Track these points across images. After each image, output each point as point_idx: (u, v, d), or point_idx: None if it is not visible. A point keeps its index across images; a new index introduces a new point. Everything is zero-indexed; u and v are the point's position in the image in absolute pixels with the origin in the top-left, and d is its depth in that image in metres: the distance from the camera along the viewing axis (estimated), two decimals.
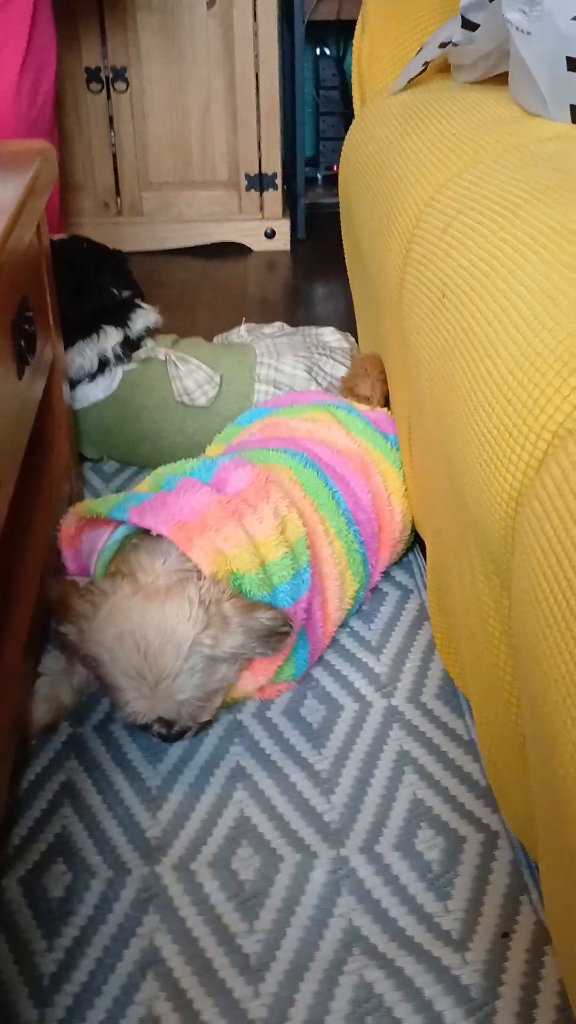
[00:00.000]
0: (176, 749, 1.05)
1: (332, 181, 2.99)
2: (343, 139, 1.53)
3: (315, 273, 2.56)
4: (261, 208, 2.70)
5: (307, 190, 2.83)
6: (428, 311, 0.92)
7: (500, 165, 0.97)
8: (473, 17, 1.16)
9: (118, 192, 2.67)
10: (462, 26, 1.19)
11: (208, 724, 1.04)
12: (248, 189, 2.67)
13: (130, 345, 1.53)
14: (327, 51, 2.94)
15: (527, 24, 1.03)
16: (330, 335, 1.65)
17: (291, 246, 2.73)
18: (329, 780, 1.01)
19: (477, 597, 0.81)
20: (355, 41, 1.60)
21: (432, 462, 0.97)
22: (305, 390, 1.52)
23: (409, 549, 1.34)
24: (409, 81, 1.38)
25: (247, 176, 2.66)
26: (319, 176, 3.03)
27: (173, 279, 2.52)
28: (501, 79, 1.21)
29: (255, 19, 2.48)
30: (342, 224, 1.57)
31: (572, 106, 1.04)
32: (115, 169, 2.64)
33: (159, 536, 1.01)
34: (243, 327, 1.72)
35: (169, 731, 0.99)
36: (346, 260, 1.59)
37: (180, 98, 2.58)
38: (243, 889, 0.91)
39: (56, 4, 1.87)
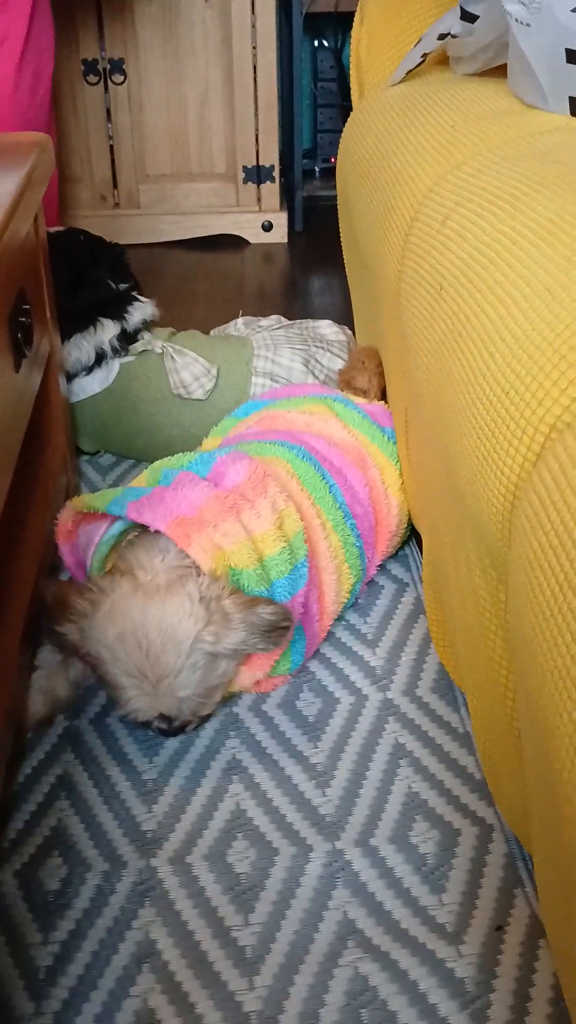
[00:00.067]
0: (172, 742, 1.05)
1: (330, 173, 2.98)
2: (341, 131, 1.53)
3: (312, 266, 2.56)
4: (258, 200, 2.70)
5: (305, 182, 2.82)
6: (426, 304, 0.92)
7: (499, 157, 0.97)
8: (472, 9, 1.16)
9: (115, 184, 2.66)
10: (461, 18, 1.18)
11: (207, 718, 1.04)
12: (245, 181, 2.67)
13: (127, 338, 1.53)
14: (325, 43, 2.93)
15: (526, 16, 1.03)
16: (327, 328, 1.65)
17: (288, 239, 2.73)
18: (325, 773, 1.01)
19: (473, 591, 0.81)
20: (353, 33, 1.60)
21: (429, 455, 0.97)
22: (302, 383, 1.52)
23: (405, 542, 1.34)
24: (407, 73, 1.37)
25: (244, 168, 2.65)
26: (317, 168, 3.02)
27: (170, 271, 2.51)
28: (500, 71, 1.20)
29: (253, 11, 2.47)
30: (340, 217, 1.57)
31: (571, 98, 1.04)
32: (112, 161, 2.63)
33: (157, 532, 1.00)
34: (240, 320, 1.72)
35: (169, 726, 0.99)
36: (343, 253, 1.59)
37: (177, 90, 2.58)
38: (239, 882, 0.91)
39: None
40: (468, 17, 1.17)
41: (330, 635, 1.20)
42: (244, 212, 2.70)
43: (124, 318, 1.52)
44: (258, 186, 2.68)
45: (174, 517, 1.00)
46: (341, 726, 1.07)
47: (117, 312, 1.52)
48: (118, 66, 2.52)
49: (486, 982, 0.81)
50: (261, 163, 2.65)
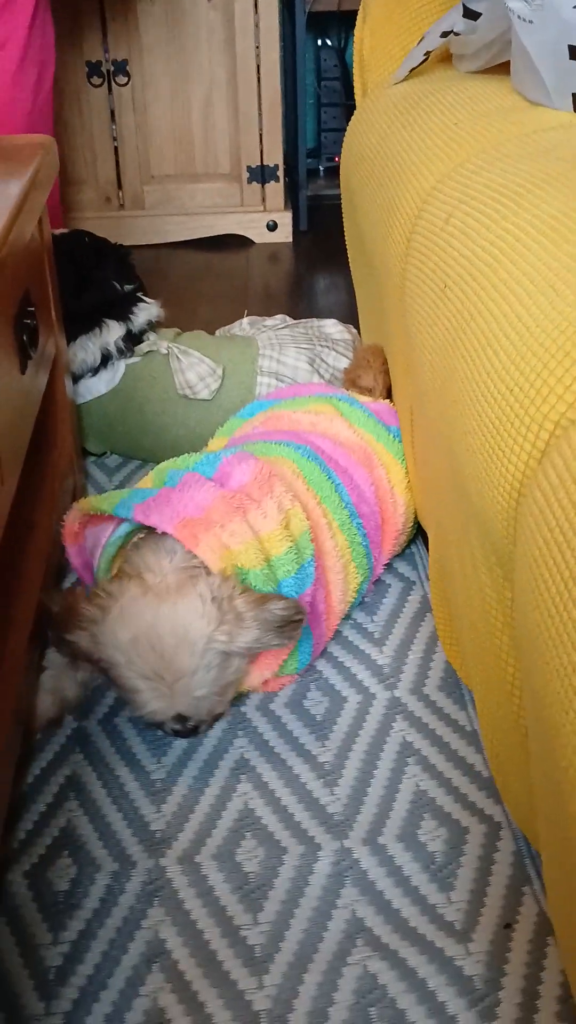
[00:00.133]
0: (180, 742, 1.06)
1: (334, 172, 2.98)
2: (345, 130, 1.53)
3: (317, 265, 2.56)
4: (263, 200, 2.70)
5: (309, 182, 2.82)
6: (430, 301, 0.92)
7: (502, 155, 0.97)
8: (475, 6, 1.16)
9: (120, 186, 2.67)
10: (464, 15, 1.18)
11: (219, 717, 1.04)
12: (250, 181, 2.67)
13: (132, 339, 1.53)
14: (328, 42, 2.93)
15: (529, 13, 1.03)
16: (332, 327, 1.65)
17: (293, 238, 2.73)
18: (332, 772, 1.01)
19: (479, 588, 0.81)
20: (356, 31, 1.60)
21: (434, 453, 0.97)
22: (307, 382, 1.52)
23: (412, 541, 1.34)
24: (411, 71, 1.37)
25: (249, 168, 2.65)
26: (321, 168, 3.02)
27: (175, 272, 2.52)
28: (503, 68, 1.20)
29: (256, 10, 2.47)
30: (344, 215, 1.57)
31: (575, 95, 1.04)
32: (117, 163, 2.64)
33: (163, 533, 1.01)
34: (245, 320, 1.72)
35: (184, 727, 0.99)
36: (348, 251, 1.59)
37: (181, 91, 2.58)
38: (247, 881, 0.91)
39: None
40: (471, 15, 1.17)
41: (337, 634, 1.20)
42: (249, 212, 2.70)
43: (129, 319, 1.53)
44: (262, 186, 2.68)
45: (181, 518, 1.00)
46: (349, 725, 1.07)
47: (122, 313, 1.52)
48: (122, 67, 2.52)
49: (494, 980, 0.81)
50: (265, 163, 2.65)
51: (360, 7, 1.59)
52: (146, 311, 1.55)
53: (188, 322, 1.74)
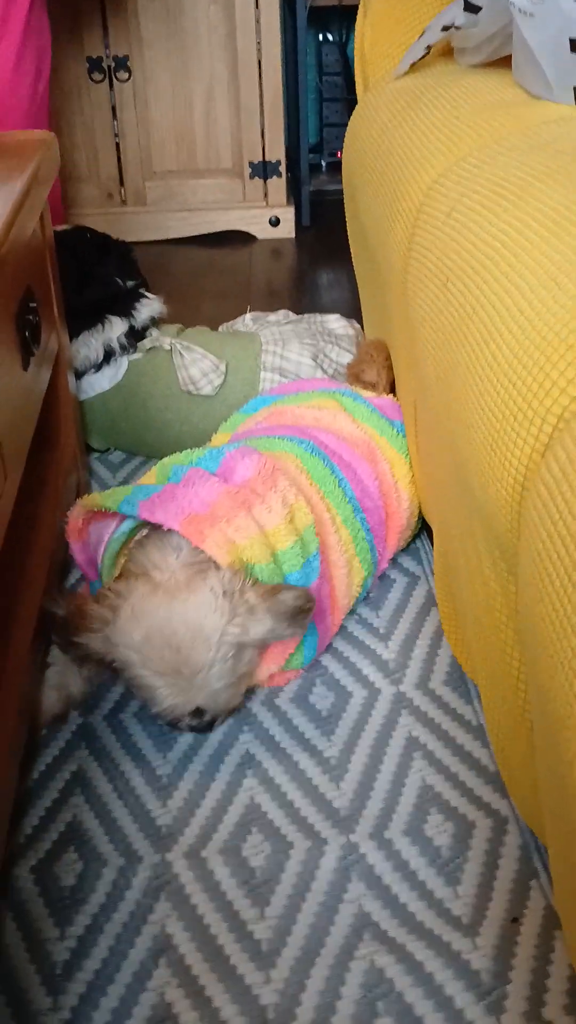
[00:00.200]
0: (186, 737, 1.06)
1: (336, 168, 2.98)
2: (347, 125, 1.53)
3: (320, 260, 2.56)
4: (265, 196, 2.70)
5: (311, 177, 2.82)
6: (433, 296, 0.92)
7: (504, 148, 0.97)
8: (476, 0, 1.15)
9: (122, 182, 2.67)
10: (465, 9, 1.18)
11: (233, 711, 1.04)
12: (252, 177, 2.67)
13: (135, 335, 1.53)
14: (330, 37, 2.93)
15: (530, 6, 1.02)
16: (335, 322, 1.65)
17: (296, 233, 2.72)
18: (338, 767, 1.02)
19: (484, 582, 0.81)
20: (357, 26, 1.60)
21: (438, 447, 0.97)
22: (311, 378, 1.52)
23: (416, 536, 1.34)
24: (412, 65, 1.37)
25: (251, 164, 2.65)
26: (323, 163, 3.02)
27: (178, 268, 2.52)
28: (505, 62, 1.20)
29: (257, 5, 2.47)
30: (346, 210, 1.56)
31: None
32: (119, 159, 2.64)
33: (168, 530, 1.01)
34: (248, 315, 1.72)
35: (201, 721, 0.99)
36: (351, 246, 1.59)
37: (183, 86, 2.58)
38: (254, 876, 0.91)
39: None
40: (472, 8, 1.16)
41: (342, 629, 1.20)
42: (251, 208, 2.70)
43: (132, 315, 1.53)
44: (265, 181, 2.68)
45: (186, 515, 1.00)
46: (354, 720, 1.07)
47: (125, 309, 1.52)
48: (123, 63, 2.52)
49: (502, 973, 0.81)
50: (267, 158, 2.65)
51: (361, 2, 1.59)
52: (149, 307, 1.55)
53: (191, 318, 1.74)
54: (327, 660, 1.16)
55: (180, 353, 1.52)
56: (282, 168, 2.66)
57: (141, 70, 2.54)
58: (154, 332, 1.55)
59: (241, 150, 2.64)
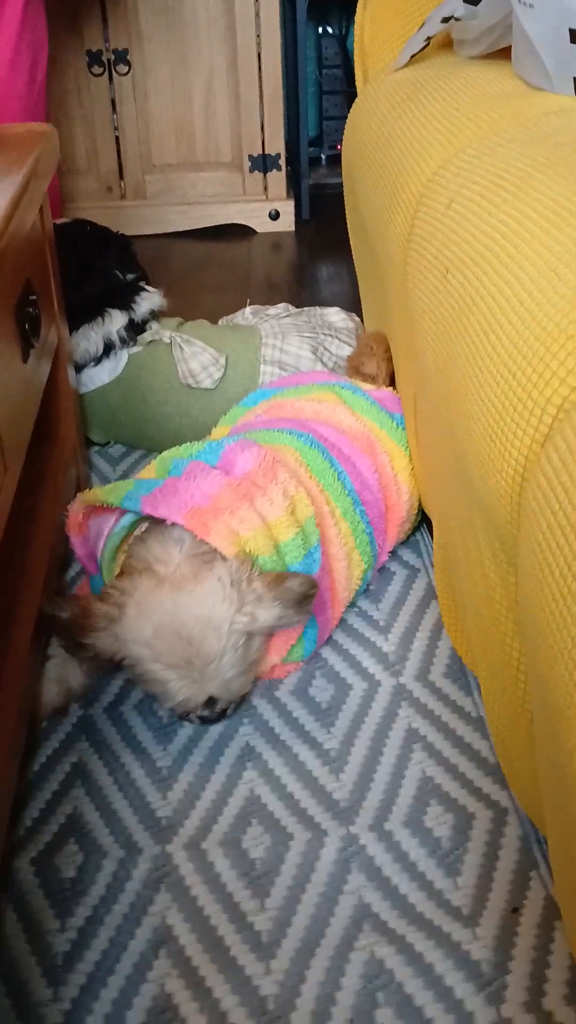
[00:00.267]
0: (186, 730, 1.06)
1: (336, 161, 2.97)
2: (347, 118, 1.53)
3: (320, 253, 2.55)
4: (265, 189, 2.69)
5: (311, 170, 2.81)
6: (432, 287, 0.92)
7: (504, 139, 0.96)
8: None
9: (121, 175, 2.66)
10: (464, 0, 1.18)
11: (242, 701, 1.03)
12: (252, 170, 2.66)
13: (135, 328, 1.53)
14: (329, 29, 2.92)
15: None
16: (335, 315, 1.65)
17: (295, 227, 2.72)
18: (338, 759, 1.02)
19: (484, 574, 0.81)
20: (357, 18, 1.59)
21: (438, 439, 0.97)
22: (310, 371, 1.52)
23: (416, 528, 1.34)
24: (411, 57, 1.37)
25: (251, 157, 2.64)
26: (323, 156, 3.01)
27: (177, 262, 2.51)
28: (504, 53, 1.20)
29: None
30: (346, 203, 1.56)
31: None
32: (118, 152, 2.63)
33: (169, 523, 1.01)
34: (248, 309, 1.72)
35: (212, 711, 0.99)
36: (350, 239, 1.58)
37: (182, 79, 2.57)
38: (254, 867, 0.91)
39: None
40: (471, 0, 1.16)
41: (342, 622, 1.20)
42: (251, 201, 2.70)
43: (132, 308, 1.52)
44: (264, 175, 2.67)
45: (189, 508, 1.00)
46: (354, 712, 1.07)
47: (125, 302, 1.52)
48: (122, 56, 2.51)
49: (502, 964, 0.81)
50: (267, 151, 2.64)
51: None
52: (149, 300, 1.55)
53: (190, 312, 1.73)
54: (327, 652, 1.16)
55: (180, 346, 1.52)
56: (282, 161, 2.66)
57: (141, 63, 2.54)
58: (154, 325, 1.55)
59: (241, 143, 2.64)
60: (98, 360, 1.52)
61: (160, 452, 1.18)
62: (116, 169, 2.65)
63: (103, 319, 1.51)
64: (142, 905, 0.88)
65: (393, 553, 1.30)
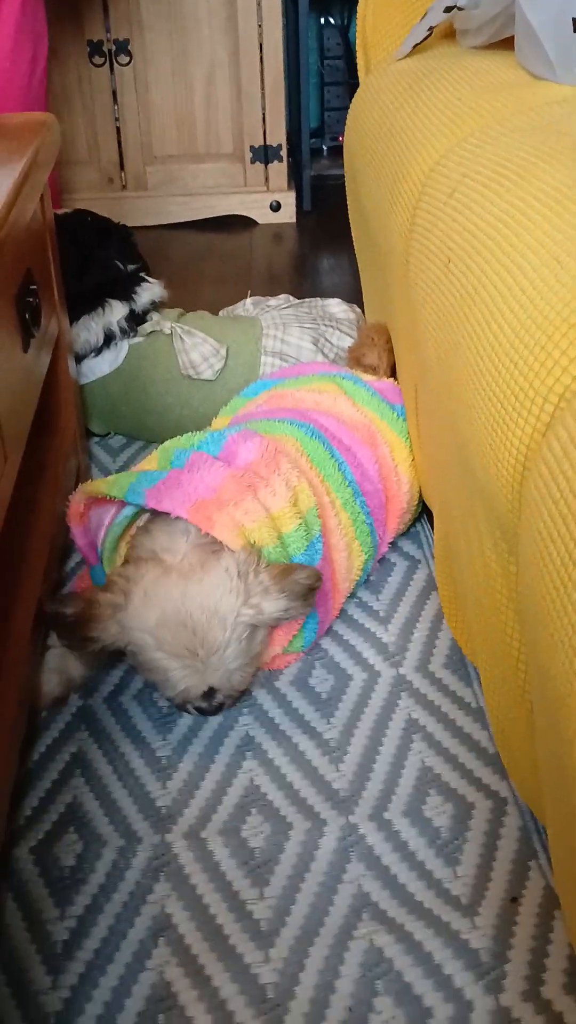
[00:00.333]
0: (186, 720, 1.06)
1: (338, 152, 2.97)
2: (348, 109, 1.52)
3: (321, 245, 2.55)
4: (266, 180, 2.69)
5: (312, 161, 2.80)
6: (434, 277, 0.91)
7: (506, 129, 0.96)
8: None
9: (122, 166, 2.65)
10: None
11: (242, 694, 1.03)
12: (253, 161, 2.66)
13: (136, 319, 1.53)
14: (331, 20, 2.91)
15: None
16: (336, 306, 1.65)
17: (297, 218, 2.71)
18: (338, 748, 1.02)
19: (484, 564, 0.81)
20: (359, 8, 1.59)
21: (439, 429, 0.97)
22: (311, 362, 1.52)
23: (417, 519, 1.34)
24: (414, 47, 1.36)
25: (252, 148, 2.64)
26: (324, 147, 3.01)
27: (178, 253, 2.51)
28: (507, 43, 1.19)
29: None
30: (348, 193, 1.56)
31: None
32: (119, 143, 2.62)
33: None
34: (249, 300, 1.71)
35: (210, 703, 0.99)
36: (352, 230, 1.58)
37: (184, 70, 2.56)
38: (253, 856, 0.91)
39: None
40: None
41: (342, 612, 1.20)
42: (252, 192, 2.69)
43: (133, 299, 1.52)
44: (266, 166, 2.66)
45: (193, 501, 1.00)
46: (354, 702, 1.07)
47: (125, 293, 1.52)
48: (123, 47, 2.51)
49: (501, 953, 0.82)
50: (268, 142, 2.63)
51: None
52: (149, 291, 1.55)
53: (191, 303, 1.73)
54: (327, 643, 1.16)
55: (181, 337, 1.52)
56: (283, 152, 2.65)
57: (142, 54, 2.53)
58: (155, 316, 1.55)
59: (242, 134, 2.63)
60: (99, 351, 1.52)
61: (160, 443, 1.17)
62: (117, 160, 2.64)
63: (104, 309, 1.50)
64: (141, 894, 0.88)
65: (393, 544, 1.30)
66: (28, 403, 1.06)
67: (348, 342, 1.54)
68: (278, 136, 2.63)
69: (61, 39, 2.42)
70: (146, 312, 1.54)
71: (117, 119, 2.59)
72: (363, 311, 1.64)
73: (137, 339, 1.53)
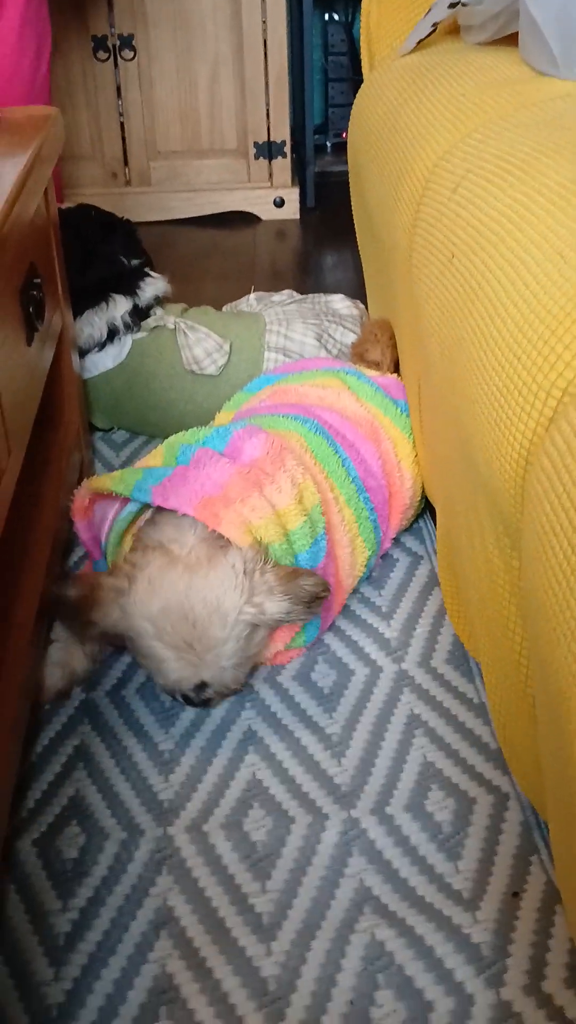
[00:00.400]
0: (188, 713, 1.06)
1: (341, 149, 2.97)
2: (352, 105, 1.52)
3: (324, 241, 2.55)
4: (270, 176, 2.69)
5: (316, 158, 2.81)
6: (437, 272, 0.91)
7: (510, 125, 0.96)
8: None
9: (126, 162, 2.65)
10: None
11: (234, 692, 1.04)
12: (257, 157, 2.66)
13: (139, 314, 1.53)
14: (336, 16, 2.91)
15: None
16: (340, 302, 1.65)
17: (300, 214, 2.71)
18: (340, 743, 1.02)
19: (487, 559, 0.81)
20: (363, 4, 1.59)
21: (442, 425, 0.97)
22: (315, 357, 1.52)
23: (420, 515, 1.34)
24: (418, 43, 1.36)
25: (256, 144, 2.64)
26: (328, 144, 3.00)
27: (182, 248, 2.51)
28: (511, 39, 1.19)
29: None
30: (351, 190, 1.56)
31: None
32: (123, 138, 2.63)
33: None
34: (252, 295, 1.71)
35: (198, 696, 0.99)
36: (355, 226, 1.58)
37: (188, 66, 2.56)
38: (255, 850, 0.91)
39: None
40: None
41: (345, 608, 1.20)
42: (256, 188, 2.69)
43: (136, 294, 1.52)
44: (269, 162, 2.66)
45: (199, 498, 1.00)
46: (356, 697, 1.08)
47: (129, 288, 1.52)
48: (128, 42, 2.51)
49: (502, 947, 0.82)
50: (272, 139, 2.63)
51: None
52: (153, 286, 1.55)
53: (195, 299, 1.73)
54: (329, 638, 1.16)
55: (184, 332, 1.52)
56: (287, 148, 2.65)
57: (146, 49, 2.53)
58: (158, 311, 1.55)
59: (246, 130, 2.63)
60: (102, 345, 1.52)
61: (164, 438, 1.18)
62: (121, 155, 2.64)
63: (107, 304, 1.51)
64: (144, 887, 0.88)
65: (396, 540, 1.30)
66: (31, 397, 1.06)
67: (351, 338, 1.54)
68: (282, 132, 2.63)
69: (65, 34, 2.42)
70: (150, 307, 1.54)
71: (121, 114, 2.60)
72: (366, 307, 1.64)
73: (141, 334, 1.53)
